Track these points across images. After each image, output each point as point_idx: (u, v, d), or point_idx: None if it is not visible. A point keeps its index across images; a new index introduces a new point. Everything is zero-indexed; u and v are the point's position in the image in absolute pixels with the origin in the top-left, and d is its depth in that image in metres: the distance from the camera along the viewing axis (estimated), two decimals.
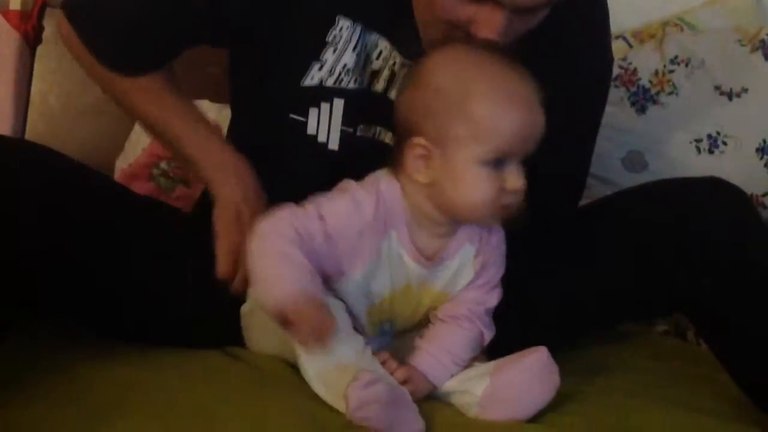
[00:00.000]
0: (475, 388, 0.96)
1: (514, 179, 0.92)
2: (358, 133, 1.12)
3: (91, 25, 1.12)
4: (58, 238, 0.96)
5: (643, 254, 1.08)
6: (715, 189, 1.09)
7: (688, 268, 1.05)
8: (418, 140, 0.94)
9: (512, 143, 0.91)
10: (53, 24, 1.71)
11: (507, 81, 0.93)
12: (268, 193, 1.12)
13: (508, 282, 1.06)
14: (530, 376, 0.95)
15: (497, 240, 1.02)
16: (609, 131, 1.60)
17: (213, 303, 1.07)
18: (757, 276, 1.04)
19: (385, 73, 1.12)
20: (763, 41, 1.58)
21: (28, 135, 1.77)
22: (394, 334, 1.05)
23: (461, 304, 1.02)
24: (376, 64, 1.12)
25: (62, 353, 1.00)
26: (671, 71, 1.60)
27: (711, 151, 1.56)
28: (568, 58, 1.13)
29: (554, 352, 0.98)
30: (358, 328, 1.00)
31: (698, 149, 1.57)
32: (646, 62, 1.62)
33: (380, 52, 1.12)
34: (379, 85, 1.12)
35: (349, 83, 1.11)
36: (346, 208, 0.95)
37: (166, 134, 1.13)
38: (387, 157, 1.00)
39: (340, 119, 1.11)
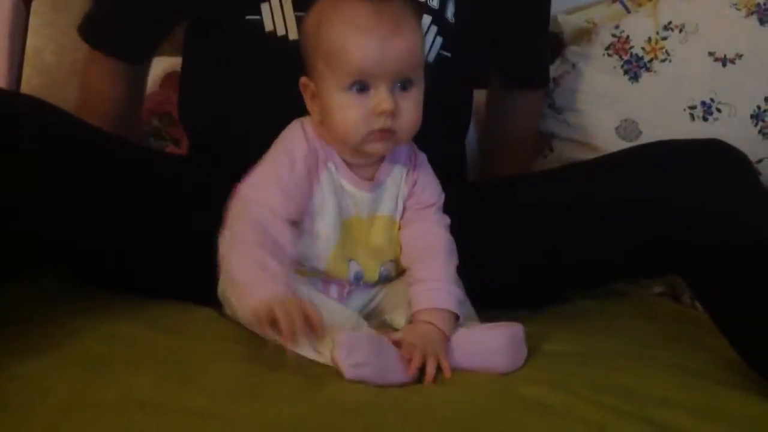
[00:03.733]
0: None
1: (380, 101, 0.96)
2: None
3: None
4: (59, 187, 0.97)
5: (639, 215, 1.08)
6: (715, 151, 1.08)
7: (685, 231, 1.05)
8: (304, 79, 1.01)
9: (365, 67, 0.95)
10: None
11: (355, 14, 0.97)
12: (243, 103, 1.14)
13: (489, 237, 1.06)
14: (497, 342, 0.98)
15: (422, 160, 1.08)
16: (602, 100, 1.61)
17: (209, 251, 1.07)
18: (754, 240, 1.03)
19: None
20: (758, 5, 1.56)
21: (23, 91, 1.75)
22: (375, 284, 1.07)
23: (415, 236, 1.05)
24: None
25: (59, 305, 1.01)
26: (664, 38, 1.58)
27: (705, 118, 1.55)
28: None
29: (541, 307, 0.99)
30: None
31: (692, 116, 1.56)
32: (638, 30, 1.60)
33: None
34: None
35: None
36: (280, 156, 1.00)
37: None
38: None
39: (291, 5, 1.11)
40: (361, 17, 0.97)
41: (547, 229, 1.13)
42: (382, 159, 1.05)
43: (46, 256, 1.01)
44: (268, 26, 1.12)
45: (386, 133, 0.98)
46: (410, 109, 0.99)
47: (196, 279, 1.06)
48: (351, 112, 0.97)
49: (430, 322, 0.99)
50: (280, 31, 1.12)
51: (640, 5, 1.67)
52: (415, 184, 1.07)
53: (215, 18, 1.17)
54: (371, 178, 1.04)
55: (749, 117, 1.55)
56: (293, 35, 1.11)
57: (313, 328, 0.89)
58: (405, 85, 0.98)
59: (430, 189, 1.07)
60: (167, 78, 1.70)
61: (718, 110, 1.55)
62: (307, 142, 1.01)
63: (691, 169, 1.07)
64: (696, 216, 1.04)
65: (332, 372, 0.91)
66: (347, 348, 0.89)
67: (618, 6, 1.69)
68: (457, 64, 1.20)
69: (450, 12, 1.18)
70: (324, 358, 0.92)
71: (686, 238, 1.05)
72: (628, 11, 1.68)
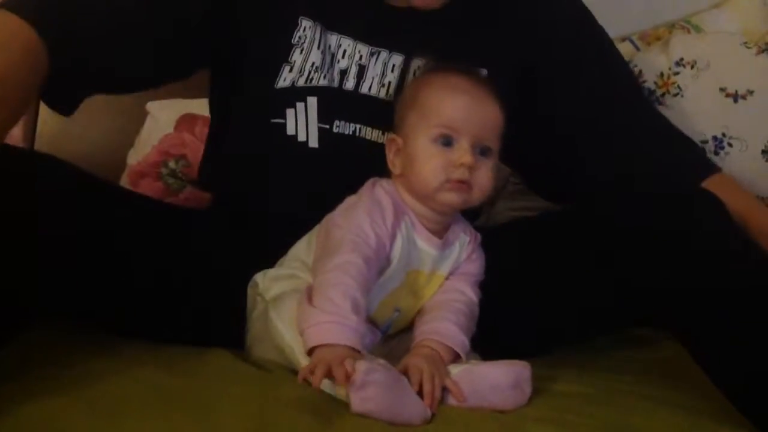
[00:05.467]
0: (453, 369, 1.00)
1: (461, 154, 1.04)
2: (335, 130, 1.15)
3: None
4: (75, 239, 0.99)
5: (618, 268, 1.09)
6: (692, 202, 1.07)
7: (663, 285, 1.04)
8: (391, 136, 1.10)
9: (453, 122, 1.05)
10: None
11: (451, 78, 1.09)
12: (259, 197, 1.16)
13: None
14: (504, 380, 0.99)
15: (479, 239, 1.15)
16: None
17: (225, 300, 1.10)
18: (731, 297, 1.01)
19: (353, 70, 1.17)
20: None
21: (40, 132, 1.78)
22: (389, 334, 1.10)
23: (447, 289, 1.11)
24: (342, 63, 1.17)
25: (73, 348, 1.02)
26: (676, 73, 1.60)
27: (716, 153, 1.56)
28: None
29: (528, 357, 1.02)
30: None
31: (704, 151, 1.57)
32: (651, 64, 1.62)
33: (344, 51, 1.16)
34: (349, 83, 1.17)
35: (319, 80, 1.15)
36: (371, 206, 1.05)
37: None
38: (370, 153, 1.11)
39: (315, 116, 1.15)
40: (459, 82, 1.08)
41: (535, 278, 1.15)
42: (450, 224, 1.11)
43: (63, 306, 1.03)
44: (291, 131, 1.15)
45: (462, 185, 1.04)
46: (485, 173, 1.06)
47: (208, 326, 1.09)
48: (433, 160, 1.04)
49: (433, 348, 1.02)
50: (301, 137, 1.15)
51: (648, 44, 1.68)
52: (470, 254, 1.13)
53: (240, 115, 1.19)
54: (440, 238, 1.09)
55: (760, 152, 1.55)
56: (313, 143, 1.15)
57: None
58: (484, 151, 1.06)
59: (477, 264, 1.14)
60: (182, 120, 1.73)
61: (730, 145, 1.56)
62: (390, 196, 1.07)
63: (666, 220, 1.06)
64: (680, 262, 1.03)
65: (342, 410, 0.92)
66: (362, 378, 0.90)
67: (627, 44, 1.71)
68: None
69: None
70: (340, 393, 0.94)
71: (670, 284, 1.04)
72: (638, 49, 1.69)
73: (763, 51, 1.58)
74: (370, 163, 1.10)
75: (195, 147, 1.70)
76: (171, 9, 1.12)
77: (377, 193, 1.07)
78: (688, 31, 1.68)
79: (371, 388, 0.90)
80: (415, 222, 1.07)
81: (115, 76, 1.11)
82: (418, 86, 1.10)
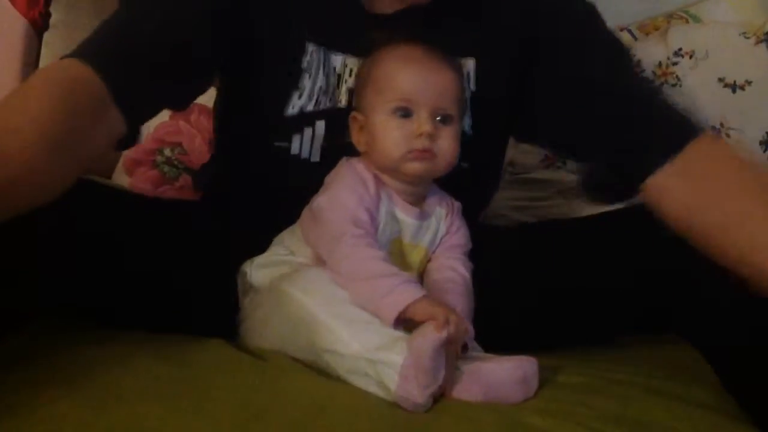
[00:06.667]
0: (462, 365, 0.99)
1: (420, 124, 1.04)
2: (337, 143, 1.14)
3: None
4: (72, 238, 0.99)
5: (626, 277, 1.09)
6: None
7: (675, 293, 1.05)
8: (353, 114, 1.10)
9: (409, 93, 1.05)
10: (61, 10, 1.71)
11: (404, 50, 1.08)
12: (255, 211, 1.15)
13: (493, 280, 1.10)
14: (512, 376, 0.98)
15: (459, 208, 1.15)
16: None
17: (222, 294, 1.10)
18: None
19: None
20: (767, 34, 1.58)
21: None
22: None
23: (440, 268, 1.11)
24: (350, 82, 1.15)
25: (72, 340, 1.01)
26: (675, 63, 1.60)
27: None
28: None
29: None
30: None
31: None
32: (649, 54, 1.62)
33: (351, 70, 1.16)
34: None
35: (326, 103, 1.15)
36: (354, 182, 1.06)
37: None
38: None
39: (322, 138, 1.14)
40: (409, 52, 1.08)
41: (540, 279, 1.14)
42: (425, 196, 1.11)
43: (61, 302, 1.03)
44: (294, 151, 1.14)
45: (425, 153, 1.05)
46: (449, 141, 1.06)
47: (206, 319, 1.09)
48: (394, 133, 1.05)
49: None
50: (305, 155, 1.15)
51: (647, 34, 1.69)
52: (451, 225, 1.13)
53: (243, 135, 1.19)
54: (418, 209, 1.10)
55: (758, 143, 1.56)
56: (315, 158, 1.14)
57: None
58: (445, 119, 1.06)
59: (461, 233, 1.13)
60: None
61: (728, 135, 1.56)
62: (368, 170, 1.08)
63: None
64: (688, 271, 1.03)
65: (336, 398, 0.92)
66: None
67: (626, 34, 1.70)
68: (475, 175, 1.20)
69: (467, 124, 1.18)
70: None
71: (672, 296, 1.05)
72: (636, 39, 1.69)
73: (761, 41, 1.59)
74: None
75: (190, 135, 1.70)
76: (183, 32, 1.10)
77: (357, 169, 1.07)
78: (687, 21, 1.68)
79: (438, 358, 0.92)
80: (392, 194, 1.08)
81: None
82: (372, 62, 1.10)
